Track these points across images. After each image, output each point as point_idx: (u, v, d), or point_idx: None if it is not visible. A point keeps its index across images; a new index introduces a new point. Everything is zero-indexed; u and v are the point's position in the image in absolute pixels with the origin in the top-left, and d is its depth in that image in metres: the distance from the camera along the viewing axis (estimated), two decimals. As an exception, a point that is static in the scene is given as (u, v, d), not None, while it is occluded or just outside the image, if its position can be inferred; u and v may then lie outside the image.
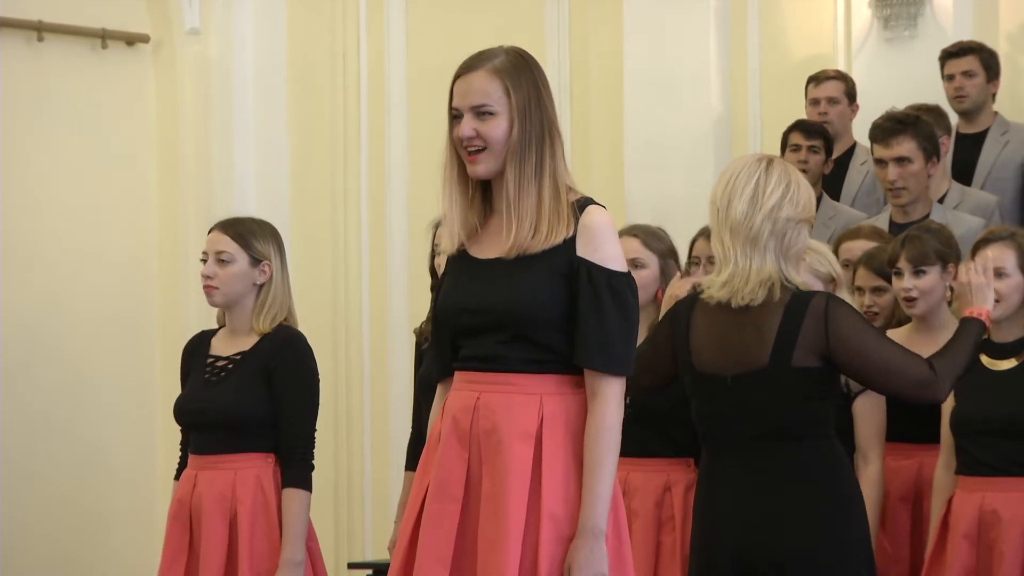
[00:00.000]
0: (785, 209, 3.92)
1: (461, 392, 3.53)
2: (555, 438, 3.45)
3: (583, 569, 3.37)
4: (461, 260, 3.57)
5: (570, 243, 3.46)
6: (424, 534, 3.49)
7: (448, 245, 3.60)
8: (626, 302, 3.48)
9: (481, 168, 3.49)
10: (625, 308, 3.47)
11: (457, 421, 3.51)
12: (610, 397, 3.45)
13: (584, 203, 3.50)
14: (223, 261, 4.72)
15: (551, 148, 3.50)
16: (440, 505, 3.48)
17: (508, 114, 3.48)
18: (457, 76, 3.53)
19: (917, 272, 4.92)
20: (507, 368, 3.47)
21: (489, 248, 3.54)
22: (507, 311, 3.45)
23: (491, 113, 3.47)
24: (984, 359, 4.66)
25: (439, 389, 3.66)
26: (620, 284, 3.47)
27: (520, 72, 3.51)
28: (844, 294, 4.77)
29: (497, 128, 3.47)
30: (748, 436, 3.92)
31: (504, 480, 3.42)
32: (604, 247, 3.47)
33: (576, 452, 3.46)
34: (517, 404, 3.46)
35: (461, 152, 3.51)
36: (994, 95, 6.70)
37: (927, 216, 5.85)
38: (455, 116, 3.51)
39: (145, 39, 7.66)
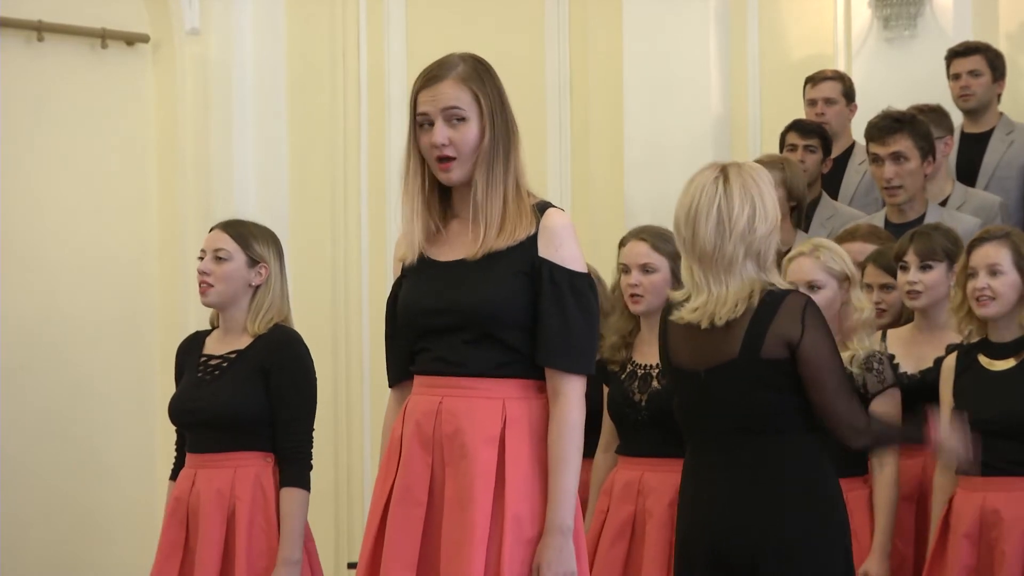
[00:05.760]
0: (759, 229, 3.90)
1: (423, 396, 3.56)
2: (518, 441, 3.47)
3: (552, 567, 3.40)
4: (421, 264, 3.59)
5: (531, 241, 3.49)
6: (389, 538, 3.51)
7: (407, 253, 3.60)
8: (588, 302, 3.51)
9: (454, 175, 3.52)
10: (587, 308, 3.50)
11: (420, 425, 3.53)
12: (572, 396, 3.48)
13: (544, 206, 3.53)
14: (220, 259, 4.73)
15: (515, 149, 3.54)
16: (405, 509, 3.51)
17: (479, 120, 3.50)
18: (421, 86, 3.54)
19: (924, 266, 4.99)
20: (469, 372, 3.50)
21: (451, 251, 3.56)
22: (472, 309, 3.48)
23: (463, 119, 3.50)
24: (983, 359, 4.66)
25: (394, 394, 3.71)
26: (582, 284, 3.50)
27: (484, 78, 3.55)
28: (858, 293, 4.78)
29: (469, 133, 3.49)
30: (722, 430, 3.93)
31: (469, 484, 3.44)
32: (565, 248, 3.50)
33: (538, 455, 3.48)
34: (480, 408, 3.48)
35: (429, 159, 3.52)
36: (999, 95, 6.71)
37: (923, 216, 5.85)
38: (422, 124, 3.52)
39: (145, 39, 7.65)
